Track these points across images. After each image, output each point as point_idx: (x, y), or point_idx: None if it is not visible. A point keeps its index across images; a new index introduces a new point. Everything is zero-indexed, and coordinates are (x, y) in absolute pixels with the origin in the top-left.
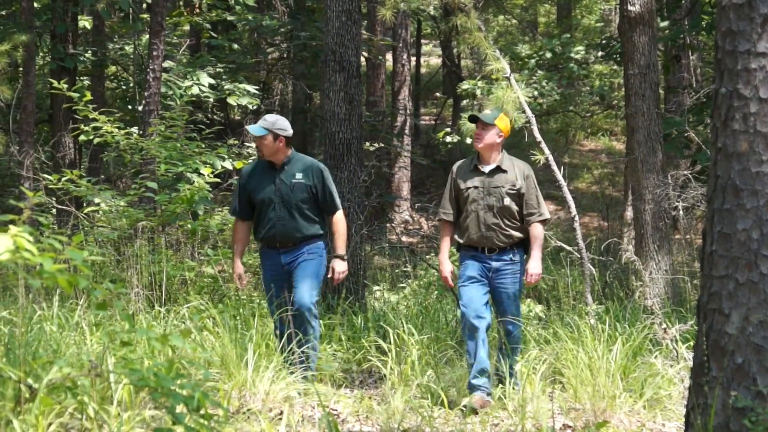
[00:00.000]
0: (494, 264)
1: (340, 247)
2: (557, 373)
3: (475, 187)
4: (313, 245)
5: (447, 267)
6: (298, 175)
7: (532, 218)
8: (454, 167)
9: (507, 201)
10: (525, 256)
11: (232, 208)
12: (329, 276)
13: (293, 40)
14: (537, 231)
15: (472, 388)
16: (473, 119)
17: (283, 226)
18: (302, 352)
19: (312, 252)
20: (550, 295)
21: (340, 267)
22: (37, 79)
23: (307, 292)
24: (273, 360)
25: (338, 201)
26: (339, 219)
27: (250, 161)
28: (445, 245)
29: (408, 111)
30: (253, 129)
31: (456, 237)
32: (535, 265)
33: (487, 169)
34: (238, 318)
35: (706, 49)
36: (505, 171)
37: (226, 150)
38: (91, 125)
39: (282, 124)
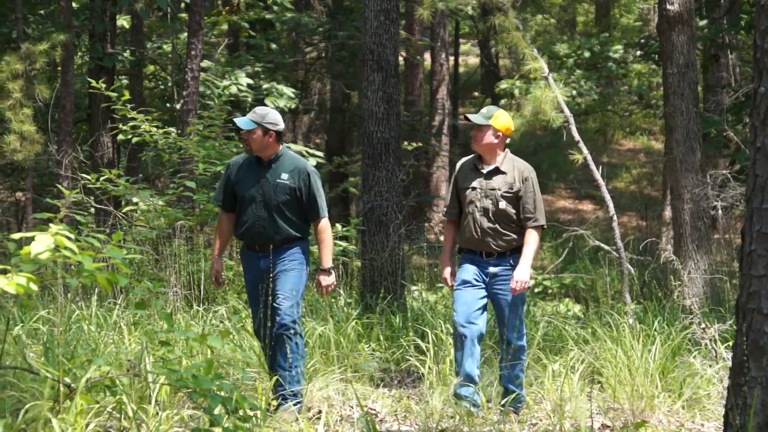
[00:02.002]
0: (492, 269)
1: (326, 259)
2: (596, 373)
3: (473, 188)
4: (294, 250)
5: (447, 269)
6: (284, 176)
7: (528, 223)
8: (458, 164)
9: (503, 204)
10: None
11: (215, 197)
12: (316, 290)
13: (331, 39)
14: (530, 237)
15: (457, 398)
16: (467, 120)
17: (263, 227)
18: (283, 378)
19: (293, 259)
20: (589, 294)
21: (327, 281)
22: (75, 78)
23: (287, 310)
24: (312, 359)
25: (324, 207)
26: (323, 227)
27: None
28: (448, 245)
29: (446, 110)
30: (241, 122)
31: (461, 238)
32: (521, 272)
33: (486, 169)
34: None
35: (744, 48)
36: (504, 173)
37: None
38: (130, 124)
39: (273, 117)
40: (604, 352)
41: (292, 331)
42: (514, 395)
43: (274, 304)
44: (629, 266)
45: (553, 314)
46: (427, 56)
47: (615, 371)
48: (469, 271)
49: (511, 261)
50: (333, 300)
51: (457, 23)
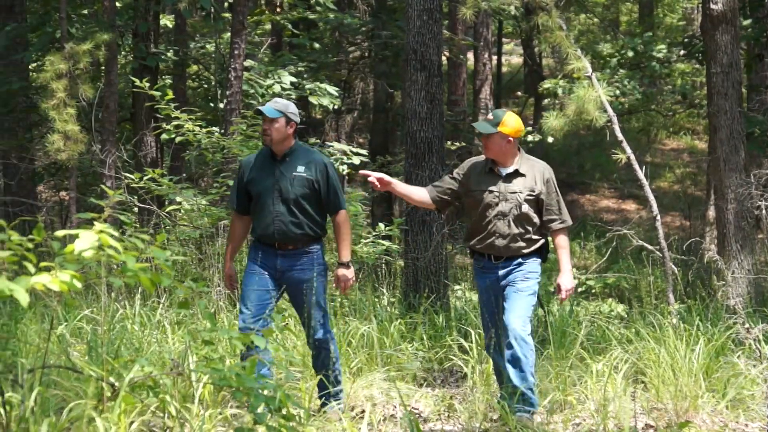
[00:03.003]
0: (501, 272)
1: (345, 253)
2: (639, 373)
3: (490, 192)
4: (314, 254)
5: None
6: (300, 168)
7: (554, 225)
8: (467, 164)
9: (525, 208)
10: (541, 261)
11: (230, 200)
12: (334, 286)
13: (375, 38)
14: (563, 240)
15: (510, 410)
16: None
17: (282, 223)
18: (329, 382)
19: (311, 267)
20: (632, 294)
21: (347, 274)
22: (119, 78)
23: (320, 321)
24: (355, 359)
25: (343, 199)
26: (343, 220)
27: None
28: (407, 190)
29: (489, 110)
30: (267, 110)
31: (468, 242)
32: (566, 280)
33: (504, 172)
34: None
35: None
36: (523, 175)
37: None
38: (173, 124)
39: (294, 109)
40: (647, 352)
41: (326, 343)
42: (523, 396)
43: (307, 316)
44: (673, 266)
45: (597, 314)
46: (471, 56)
47: (658, 371)
48: (483, 292)
49: (520, 259)
50: (376, 299)
51: (500, 23)
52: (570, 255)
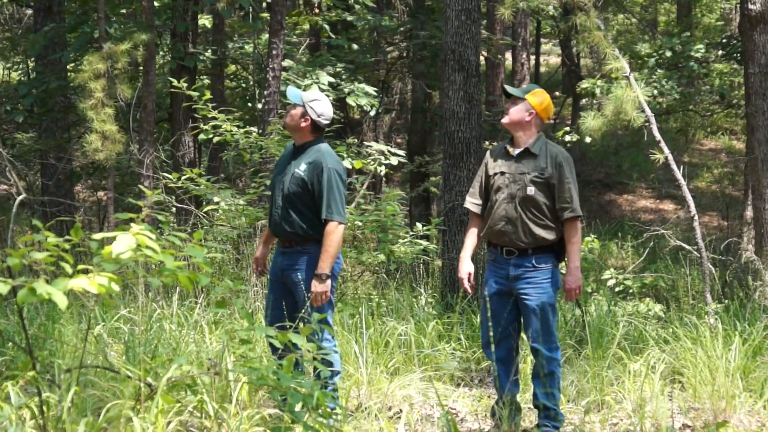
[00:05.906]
0: (512, 272)
1: (321, 265)
2: (676, 373)
3: (502, 173)
4: (311, 254)
5: (465, 267)
6: (302, 167)
7: (565, 213)
8: (487, 154)
9: (530, 190)
10: (557, 263)
11: (270, 184)
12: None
13: (413, 39)
14: (573, 234)
15: (500, 419)
16: (505, 94)
17: (278, 216)
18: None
19: (309, 266)
20: (670, 294)
21: (317, 287)
22: (157, 78)
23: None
24: (392, 358)
25: (335, 210)
26: (330, 231)
27: (368, 161)
28: (470, 241)
29: None
30: (289, 91)
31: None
32: (573, 278)
33: (515, 152)
34: (356, 316)
35: None
36: (534, 155)
37: (346, 149)
38: (211, 124)
39: (318, 106)
40: (684, 352)
41: (325, 350)
42: (551, 412)
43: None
44: (710, 266)
45: (634, 314)
46: (509, 56)
47: (696, 371)
48: (492, 277)
49: (534, 261)
50: (414, 299)
51: (538, 23)
52: (579, 251)
